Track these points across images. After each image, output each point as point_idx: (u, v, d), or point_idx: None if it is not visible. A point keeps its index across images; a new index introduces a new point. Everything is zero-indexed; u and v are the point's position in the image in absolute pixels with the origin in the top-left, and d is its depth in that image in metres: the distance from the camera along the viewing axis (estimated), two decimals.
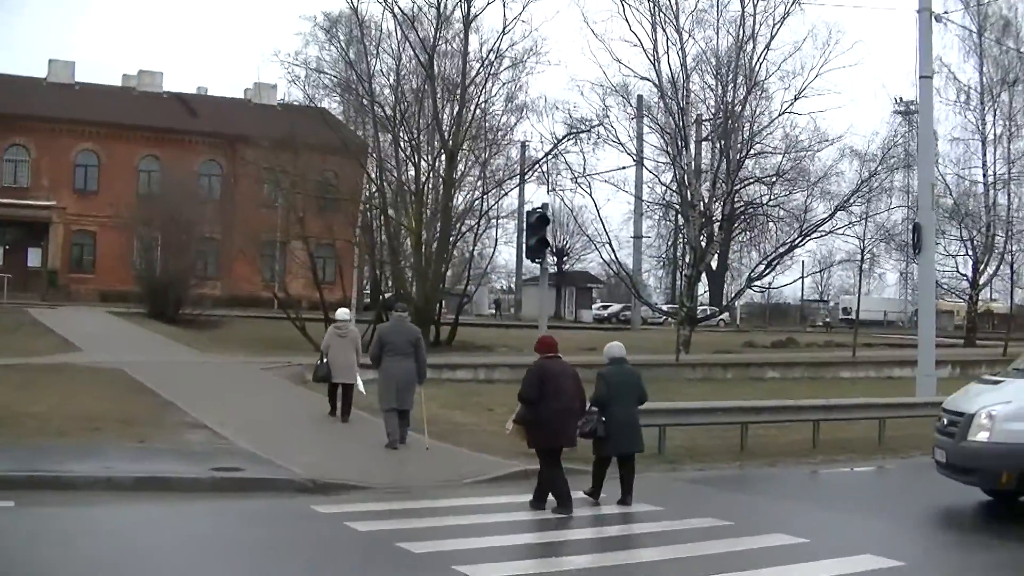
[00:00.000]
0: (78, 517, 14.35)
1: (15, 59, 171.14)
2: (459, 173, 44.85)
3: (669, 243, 52.29)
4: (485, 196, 46.30)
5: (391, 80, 46.34)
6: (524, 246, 24.57)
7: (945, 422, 17.21)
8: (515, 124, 49.69)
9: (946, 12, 45.43)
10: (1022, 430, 15.68)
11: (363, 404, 24.34)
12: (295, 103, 51.55)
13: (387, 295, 51.94)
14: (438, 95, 42.59)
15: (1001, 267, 58.35)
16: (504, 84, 46.45)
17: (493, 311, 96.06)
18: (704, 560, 12.91)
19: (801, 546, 13.78)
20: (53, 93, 67.82)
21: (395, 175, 45.34)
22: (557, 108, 48.27)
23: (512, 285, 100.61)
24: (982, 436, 15.95)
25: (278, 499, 16.45)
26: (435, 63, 42.60)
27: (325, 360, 24.00)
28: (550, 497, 15.68)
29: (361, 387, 23.99)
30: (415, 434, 20.78)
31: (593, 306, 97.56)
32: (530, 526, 15.20)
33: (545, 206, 26.28)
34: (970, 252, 57.56)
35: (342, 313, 25.52)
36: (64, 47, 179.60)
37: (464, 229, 46.41)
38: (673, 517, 15.59)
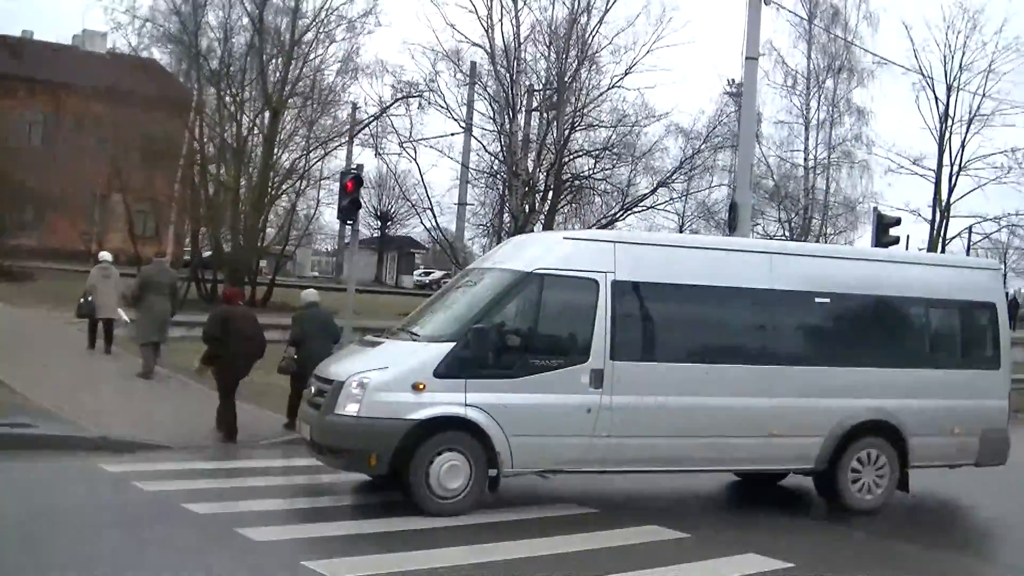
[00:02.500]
0: None
1: None
2: (284, 132, 44.29)
3: (495, 212, 51.98)
4: (307, 156, 45.81)
5: (219, 34, 45.65)
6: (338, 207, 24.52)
7: (313, 391, 14.82)
8: (348, 85, 49.18)
9: None
10: (398, 403, 13.60)
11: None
12: (123, 52, 50.23)
13: (204, 252, 51.16)
14: (266, 51, 41.94)
15: None
16: (335, 43, 45.98)
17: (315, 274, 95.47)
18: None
19: (589, 516, 13.88)
20: None
21: (218, 131, 44.69)
22: (387, 71, 47.77)
23: (335, 247, 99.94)
24: (351, 409, 13.64)
25: (68, 458, 16.03)
26: (265, 18, 41.93)
27: (90, 298, 25.87)
28: None
29: (125, 318, 26.04)
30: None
31: (415, 272, 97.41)
32: (317, 490, 15.16)
33: (360, 167, 25.98)
34: (787, 233, 58.62)
35: (104, 255, 27.62)
36: None
37: (284, 188, 45.88)
38: None
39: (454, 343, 13.86)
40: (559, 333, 14.69)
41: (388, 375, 13.80)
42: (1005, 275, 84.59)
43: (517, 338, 14.14)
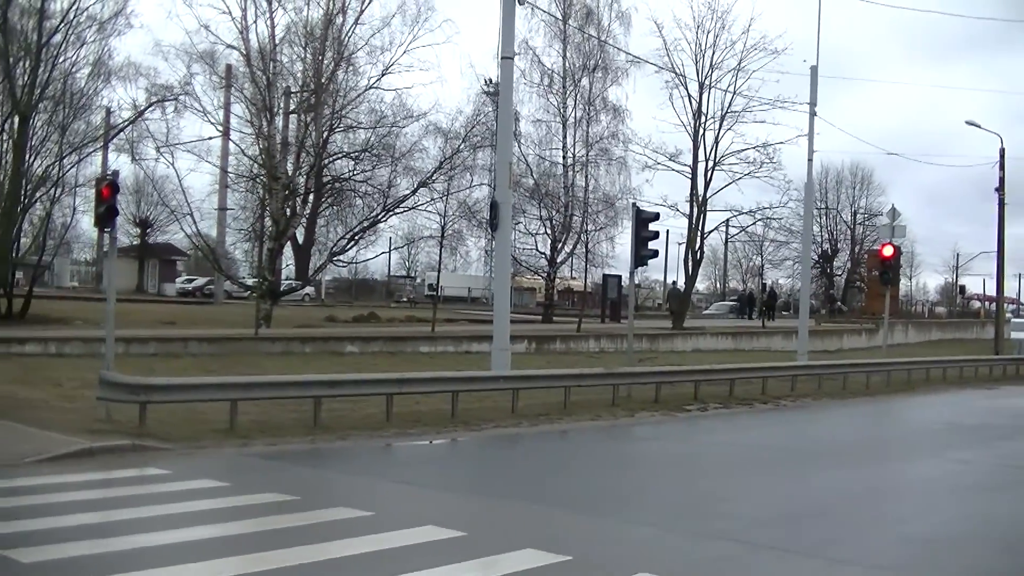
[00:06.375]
0: None
1: None
2: (35, 137, 43.06)
3: (256, 216, 51.49)
4: (61, 162, 44.50)
5: None
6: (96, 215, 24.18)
7: None
8: (100, 89, 48.02)
9: None
10: None
11: None
12: None
13: None
14: (11, 54, 40.67)
15: (578, 246, 60.33)
16: (85, 45, 44.85)
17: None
18: (264, 536, 12.77)
19: (365, 519, 13.80)
20: None
21: None
22: (141, 74, 46.80)
23: (94, 256, 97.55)
24: None
25: None
26: (10, 19, 40.68)
27: None
28: None
29: None
30: None
31: (177, 279, 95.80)
32: (89, 506, 14.60)
33: (116, 173, 25.31)
34: (548, 231, 59.39)
35: None
36: None
37: (38, 196, 44.48)
38: (238, 493, 15.39)
39: None
40: None
41: None
42: (762, 266, 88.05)
43: None
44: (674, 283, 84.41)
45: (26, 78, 40.93)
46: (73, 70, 45.06)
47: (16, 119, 40.58)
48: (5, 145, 42.18)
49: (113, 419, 20.86)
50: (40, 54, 40.48)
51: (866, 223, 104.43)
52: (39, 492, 15.01)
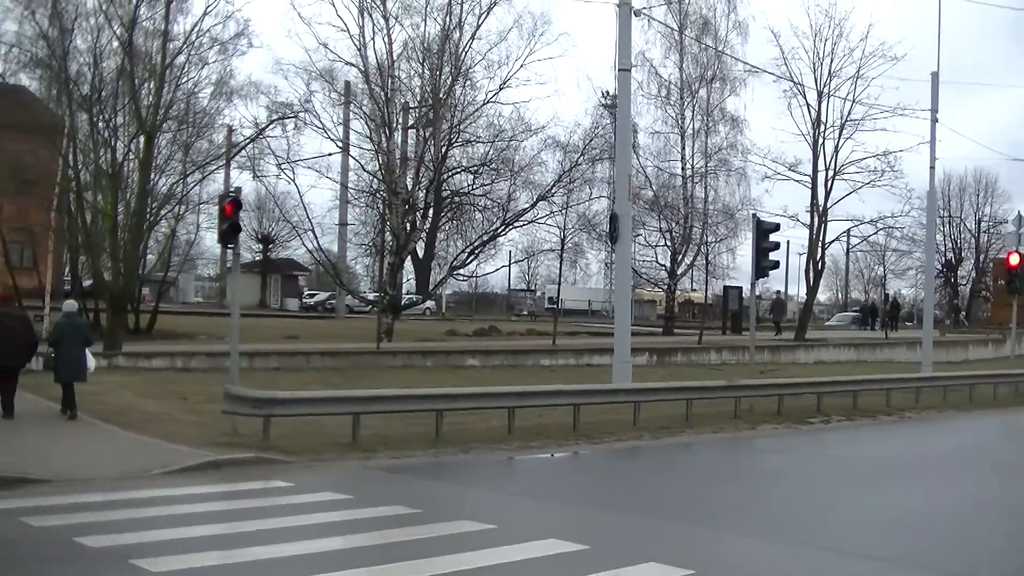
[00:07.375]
0: None
1: None
2: (160, 156, 43.75)
3: (376, 231, 51.89)
4: (185, 180, 45.19)
5: (89, 59, 44.85)
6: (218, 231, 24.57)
7: None
8: (222, 108, 48.66)
9: (648, 7, 46.72)
10: None
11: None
12: None
13: (85, 282, 50.28)
14: (137, 75, 41.37)
15: (698, 258, 60.02)
16: (207, 66, 45.47)
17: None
18: (388, 548, 12.83)
19: (487, 532, 13.82)
20: None
21: (92, 157, 43.85)
22: (262, 92, 47.41)
23: (217, 272, 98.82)
24: None
25: None
26: (135, 42, 41.38)
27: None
28: None
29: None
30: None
31: (300, 295, 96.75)
32: (214, 517, 14.85)
33: (238, 190, 25.61)
34: (668, 243, 59.12)
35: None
36: None
37: (163, 214, 45.16)
38: (362, 505, 15.50)
39: None
40: None
41: None
42: (884, 277, 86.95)
43: None
44: (778, 292, 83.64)
45: (151, 99, 41.54)
46: (196, 90, 45.73)
47: (142, 139, 41.21)
48: (131, 164, 42.86)
49: (238, 432, 21.17)
50: (164, 75, 41.11)
51: (991, 231, 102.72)
52: (167, 503, 15.24)
